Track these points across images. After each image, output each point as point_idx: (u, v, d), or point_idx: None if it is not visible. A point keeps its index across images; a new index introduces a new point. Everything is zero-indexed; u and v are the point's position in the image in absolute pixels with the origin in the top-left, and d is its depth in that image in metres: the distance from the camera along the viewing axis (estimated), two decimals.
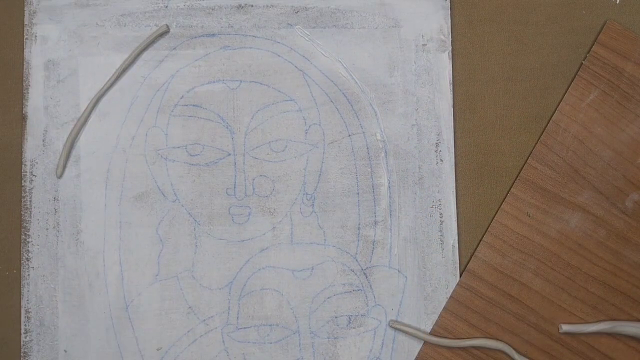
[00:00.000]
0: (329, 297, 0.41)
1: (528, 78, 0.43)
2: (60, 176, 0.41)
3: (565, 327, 0.41)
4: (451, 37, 0.43)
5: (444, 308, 0.41)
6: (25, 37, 0.42)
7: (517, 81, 0.43)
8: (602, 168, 0.42)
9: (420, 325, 0.41)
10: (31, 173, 0.41)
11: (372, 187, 0.42)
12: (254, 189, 0.42)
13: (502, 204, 0.42)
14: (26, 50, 0.42)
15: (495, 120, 0.43)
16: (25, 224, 0.41)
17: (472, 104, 0.43)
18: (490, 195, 0.43)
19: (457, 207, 0.42)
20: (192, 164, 0.42)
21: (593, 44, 0.43)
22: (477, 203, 0.42)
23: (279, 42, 0.43)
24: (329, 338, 0.41)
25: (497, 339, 0.41)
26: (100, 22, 0.43)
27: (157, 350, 0.41)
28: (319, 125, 0.42)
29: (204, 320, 0.41)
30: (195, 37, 0.43)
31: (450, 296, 0.41)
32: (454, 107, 0.43)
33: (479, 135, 0.43)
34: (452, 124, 0.42)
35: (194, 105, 0.42)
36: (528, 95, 0.43)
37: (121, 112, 0.42)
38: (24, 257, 0.41)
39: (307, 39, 0.42)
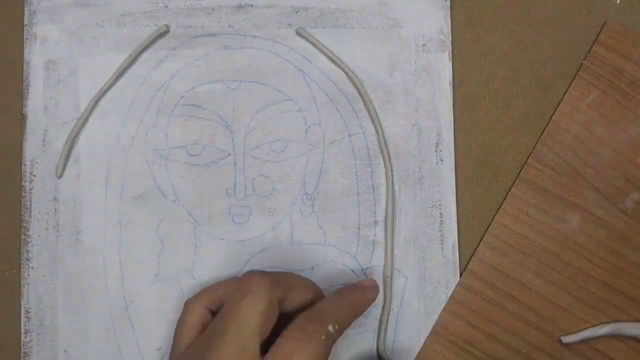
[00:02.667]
0: None
1: (528, 77, 0.43)
2: (60, 176, 0.41)
3: (566, 339, 0.41)
4: (451, 37, 0.43)
5: (444, 308, 0.41)
6: (25, 37, 0.42)
7: (517, 80, 0.43)
8: (602, 168, 0.42)
9: (420, 326, 0.41)
10: (31, 173, 0.41)
11: (372, 187, 0.42)
12: (254, 189, 0.42)
13: (502, 204, 0.42)
14: (26, 50, 0.42)
15: (495, 119, 0.43)
16: (25, 224, 0.41)
17: (471, 104, 0.43)
18: (490, 195, 0.43)
19: (457, 207, 0.42)
20: (192, 164, 0.42)
21: (593, 44, 0.43)
22: (477, 203, 0.42)
23: (279, 42, 0.43)
24: None
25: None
26: (100, 22, 0.43)
27: (157, 350, 0.41)
28: (319, 125, 0.42)
29: None
30: (195, 37, 0.43)
31: (451, 296, 0.41)
32: (453, 107, 0.43)
33: (479, 134, 0.43)
34: (452, 124, 0.42)
35: (194, 105, 0.42)
36: (528, 95, 0.43)
37: (121, 112, 0.42)
38: (24, 257, 0.41)
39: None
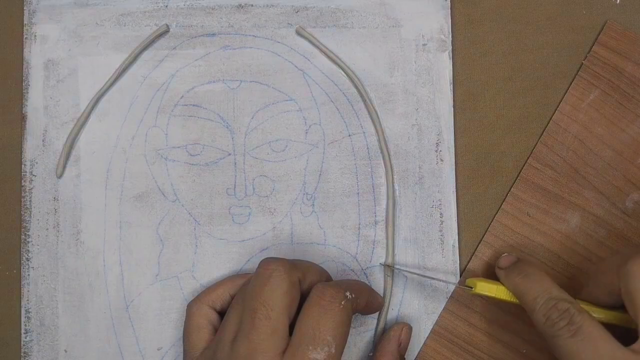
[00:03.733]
0: None
1: (528, 77, 0.43)
2: (60, 176, 0.41)
3: None
4: (451, 37, 0.43)
5: (444, 308, 0.41)
6: (25, 36, 0.42)
7: (517, 80, 0.43)
8: (602, 168, 0.42)
9: (420, 326, 0.41)
10: (31, 173, 0.41)
11: (373, 187, 0.42)
12: (254, 189, 0.42)
13: (502, 203, 0.42)
14: (25, 50, 0.42)
15: (495, 119, 0.43)
16: (25, 224, 0.41)
17: (471, 103, 0.43)
18: (490, 195, 0.43)
19: (457, 207, 0.42)
20: (192, 164, 0.42)
21: (593, 44, 0.43)
22: (476, 202, 0.42)
23: (279, 42, 0.43)
24: None
25: None
26: (100, 21, 0.43)
27: (158, 350, 0.41)
28: (319, 125, 0.42)
29: None
30: (195, 37, 0.43)
31: (450, 296, 0.42)
32: (453, 107, 0.43)
33: (478, 134, 0.43)
34: (452, 123, 0.42)
35: (194, 105, 0.42)
36: (528, 95, 0.43)
37: (121, 112, 0.42)
38: (24, 257, 0.41)
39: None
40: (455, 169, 0.42)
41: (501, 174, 0.43)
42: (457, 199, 0.42)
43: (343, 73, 0.43)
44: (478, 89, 0.43)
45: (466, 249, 0.42)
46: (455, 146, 0.43)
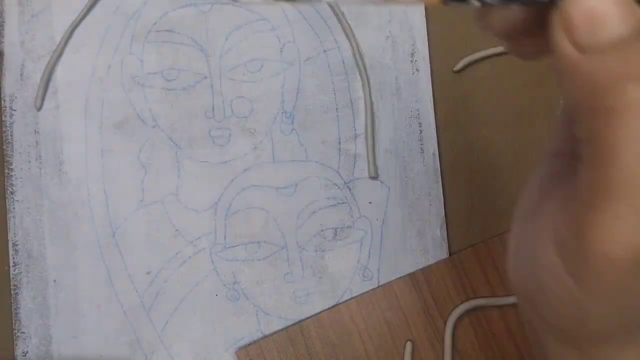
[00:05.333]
0: (314, 212, 0.41)
1: (521, 74, 0.43)
2: (39, 109, 0.41)
3: None
4: (443, 34, 0.43)
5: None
6: None
7: (509, 78, 0.43)
8: None
9: (405, 234, 0.41)
10: (11, 108, 0.42)
11: (350, 101, 0.42)
12: (232, 110, 0.42)
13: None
14: None
15: (487, 115, 0.43)
16: (7, 158, 0.41)
17: (464, 100, 0.43)
18: (483, 194, 0.42)
19: (446, 205, 0.42)
20: (169, 89, 0.42)
21: None
22: (468, 200, 0.42)
23: None
24: (316, 251, 0.41)
25: None
26: None
27: (147, 274, 0.41)
28: (294, 42, 0.43)
29: (192, 241, 0.41)
30: None
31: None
32: (446, 102, 0.43)
33: (471, 130, 0.43)
34: (425, 32, 0.43)
35: (167, 31, 0.42)
36: (521, 91, 0.43)
37: (96, 42, 0.42)
38: (8, 191, 0.41)
39: None
40: (447, 165, 0.42)
41: (493, 171, 0.42)
42: (446, 196, 0.42)
43: None
44: (470, 85, 0.43)
45: (458, 245, 0.42)
46: (446, 143, 0.42)
